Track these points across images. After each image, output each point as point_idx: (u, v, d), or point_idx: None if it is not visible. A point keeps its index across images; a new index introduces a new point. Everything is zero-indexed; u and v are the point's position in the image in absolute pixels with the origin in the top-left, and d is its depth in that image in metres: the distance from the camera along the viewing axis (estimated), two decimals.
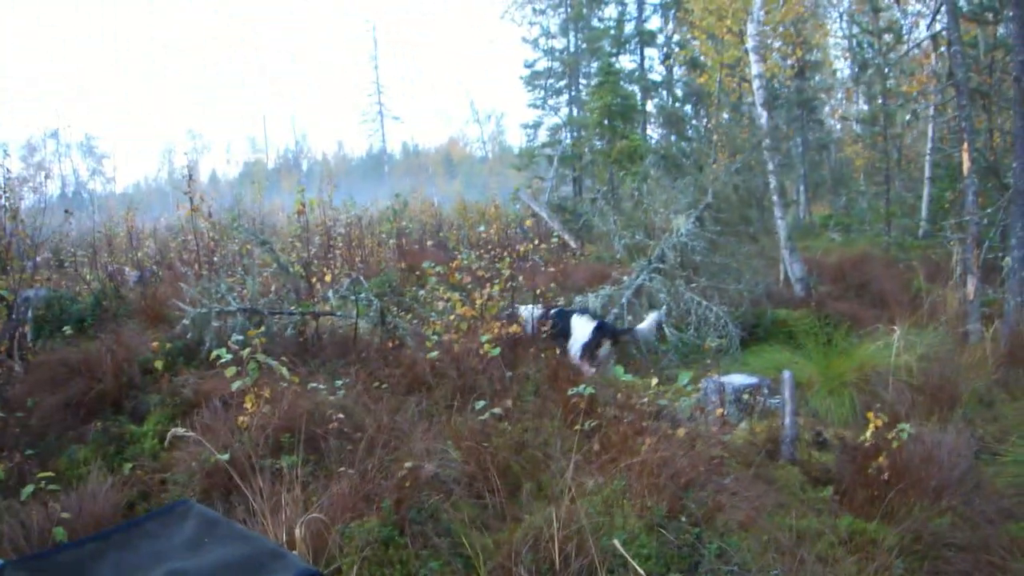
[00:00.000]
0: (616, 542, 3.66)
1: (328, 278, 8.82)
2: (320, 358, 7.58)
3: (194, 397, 6.32)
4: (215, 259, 11.49)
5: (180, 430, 4.62)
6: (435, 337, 7.44)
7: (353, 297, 7.99)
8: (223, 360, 5.56)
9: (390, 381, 6.95)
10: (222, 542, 2.70)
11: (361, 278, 9.00)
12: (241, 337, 5.91)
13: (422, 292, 9.47)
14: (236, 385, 5.45)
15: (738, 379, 7.33)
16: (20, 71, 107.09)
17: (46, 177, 63.66)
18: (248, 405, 5.51)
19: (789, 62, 22.14)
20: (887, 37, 22.87)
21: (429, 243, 18.59)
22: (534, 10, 32.34)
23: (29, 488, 4.84)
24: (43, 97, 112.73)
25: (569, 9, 31.51)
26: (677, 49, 29.83)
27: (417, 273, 11.74)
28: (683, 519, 4.29)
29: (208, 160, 79.98)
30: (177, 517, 2.90)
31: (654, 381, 6.12)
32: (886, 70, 21.74)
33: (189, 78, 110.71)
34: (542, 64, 32.92)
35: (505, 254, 13.02)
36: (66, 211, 11.25)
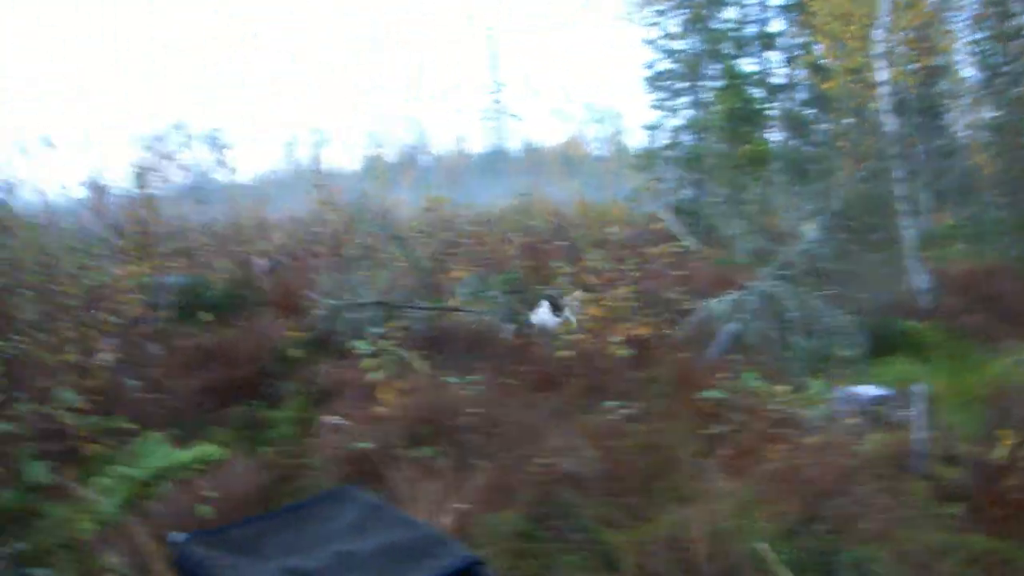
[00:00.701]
0: (762, 545, 3.67)
1: (457, 274, 8.99)
2: (450, 353, 7.77)
3: (329, 386, 6.52)
4: (343, 252, 11.78)
5: (333, 418, 4.79)
6: (565, 336, 7.51)
7: (483, 293, 8.12)
8: (361, 352, 5.73)
9: (520, 377, 7.06)
10: (385, 526, 2.79)
11: (488, 274, 9.16)
12: (379, 329, 6.08)
13: (550, 291, 9.55)
14: (373, 376, 5.62)
15: (868, 390, 7.19)
16: (146, 61, 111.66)
17: (178, 167, 66.35)
18: (384, 396, 5.67)
19: (915, 67, 21.42)
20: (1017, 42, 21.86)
21: (554, 243, 18.61)
22: (654, 11, 32.08)
23: None
24: (167, 88, 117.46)
25: (689, 11, 31.14)
26: (800, 53, 29.16)
27: (544, 272, 11.82)
28: (817, 526, 4.26)
29: (329, 154, 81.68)
30: (340, 501, 3.01)
31: (784, 388, 6.09)
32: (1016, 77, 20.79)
33: (310, 71, 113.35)
34: (662, 65, 32.62)
35: (632, 255, 12.99)
36: (198, 200, 11.79)
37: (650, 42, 33.17)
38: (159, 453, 5.46)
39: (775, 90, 30.46)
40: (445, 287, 9.18)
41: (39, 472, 5.06)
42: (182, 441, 5.99)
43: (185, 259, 12.44)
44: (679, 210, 21.22)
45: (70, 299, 6.74)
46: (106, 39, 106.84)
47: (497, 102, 70.04)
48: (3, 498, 4.92)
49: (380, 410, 5.68)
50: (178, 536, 2.66)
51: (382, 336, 6.04)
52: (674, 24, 32.65)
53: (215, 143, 74.33)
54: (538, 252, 14.36)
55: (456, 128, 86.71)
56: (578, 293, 8.14)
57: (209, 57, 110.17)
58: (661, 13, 32.65)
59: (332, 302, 7.75)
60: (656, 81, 32.98)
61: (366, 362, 5.74)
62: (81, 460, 5.48)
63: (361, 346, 5.75)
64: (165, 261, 10.08)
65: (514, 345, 7.83)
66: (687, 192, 25.96)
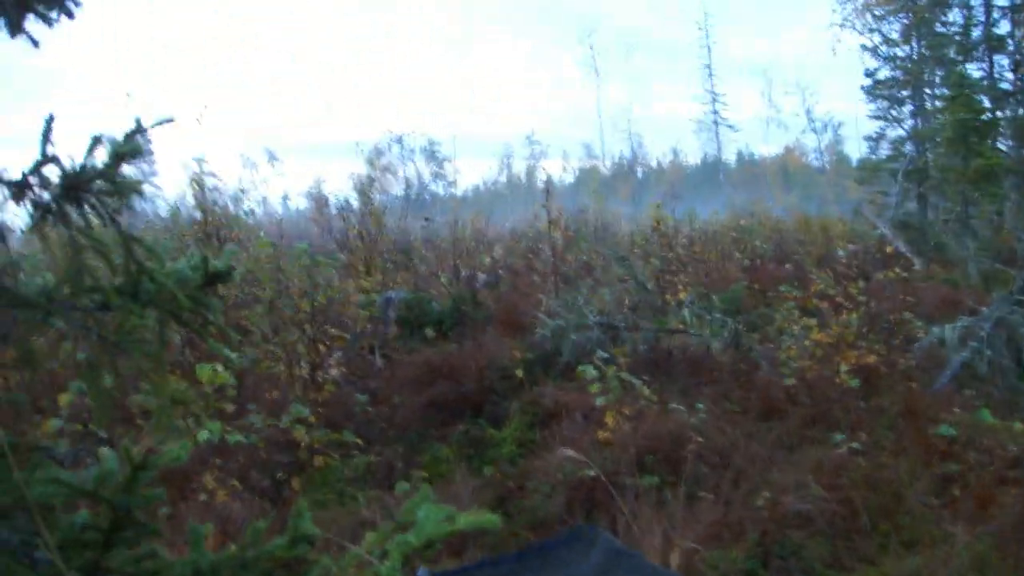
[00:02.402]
0: None
1: (683, 295, 8.98)
2: (673, 376, 7.81)
3: (553, 407, 6.68)
4: (564, 269, 12.00)
5: (568, 451, 4.92)
6: (791, 363, 7.38)
7: (708, 317, 8.09)
8: (588, 377, 5.85)
9: (743, 404, 7.07)
10: (631, 574, 2.81)
11: (711, 295, 9.10)
12: (606, 354, 6.19)
13: (776, 315, 9.37)
14: (600, 401, 5.72)
15: None
16: (369, 74, 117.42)
17: (397, 179, 69.62)
18: (609, 421, 5.77)
19: None
20: None
21: (778, 264, 18.21)
22: (873, 16, 30.68)
23: (405, 485, 5.38)
24: (388, 100, 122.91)
25: (911, 15, 29.56)
26: None
27: (767, 294, 11.61)
28: None
29: (545, 165, 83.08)
30: (584, 544, 3.03)
31: (1022, 425, 5.75)
32: None
33: (529, 80, 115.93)
34: (883, 73, 31.08)
35: (857, 276, 12.57)
36: (426, 218, 12.32)
37: (870, 48, 31.80)
38: (432, 517, 5.74)
39: (1004, 96, 28.47)
40: (671, 307, 9.19)
41: (309, 524, 5.45)
42: (407, 459, 6.32)
43: (409, 273, 13.01)
44: (903, 226, 20.23)
45: (300, 313, 7.21)
46: (326, 49, 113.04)
47: (714, 112, 69.53)
48: (275, 546, 5.33)
49: (605, 435, 5.77)
50: (423, 573, 2.76)
51: (609, 361, 6.12)
52: (895, 29, 31.14)
53: (434, 155, 76.26)
54: (761, 274, 14.10)
55: (671, 139, 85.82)
56: (804, 320, 7.95)
57: (427, 66, 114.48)
58: (880, 18, 31.23)
59: (557, 323, 7.92)
60: (876, 89, 31.57)
61: (592, 387, 5.84)
62: (309, 472, 5.88)
63: (588, 371, 5.85)
64: (389, 277, 10.59)
65: (737, 369, 7.75)
66: (912, 207, 24.81)
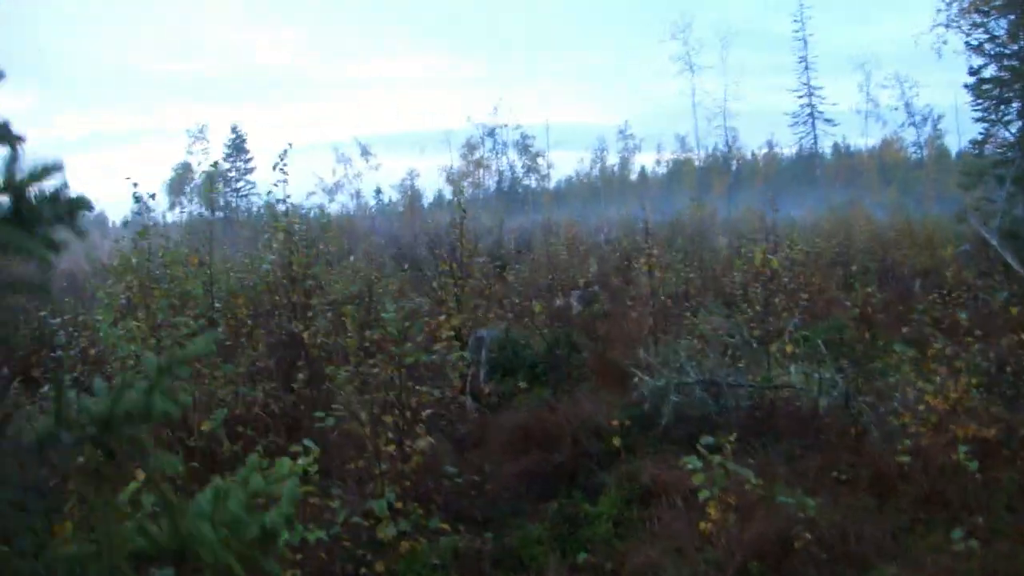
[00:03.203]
0: None
1: (788, 348, 8.68)
2: (777, 434, 7.64)
3: (651, 485, 6.49)
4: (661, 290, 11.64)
5: None
6: (904, 428, 7.05)
7: (816, 375, 7.81)
8: (692, 467, 5.65)
9: (852, 473, 6.89)
10: None
11: (817, 341, 8.81)
12: (711, 440, 5.97)
13: (885, 364, 8.97)
14: (703, 496, 5.52)
15: None
16: (461, 65, 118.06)
17: (489, 173, 70.05)
18: (712, 512, 5.56)
19: None
20: None
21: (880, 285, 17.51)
22: (979, 10, 29.59)
23: None
24: (480, 92, 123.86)
25: (1020, 12, 28.41)
26: None
27: (876, 337, 11.21)
28: None
29: (639, 158, 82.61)
30: None
31: None
32: None
33: (622, 72, 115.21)
34: (989, 71, 30.05)
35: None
36: (518, 251, 12.21)
37: (974, 46, 30.69)
38: None
39: None
40: (775, 357, 8.93)
41: None
42: (497, 539, 6.19)
43: (501, 308, 12.90)
44: (1010, 234, 19.31)
45: (388, 372, 7.09)
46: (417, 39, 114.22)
47: (810, 105, 68.18)
48: None
49: (706, 527, 5.57)
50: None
51: (715, 447, 5.89)
52: (1001, 27, 30.06)
53: (527, 148, 76.97)
54: (873, 315, 13.65)
55: (767, 132, 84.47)
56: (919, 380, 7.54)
57: (521, 58, 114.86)
58: (987, 14, 30.11)
59: (655, 383, 7.72)
60: (980, 88, 30.48)
61: (696, 476, 5.63)
62: (392, 556, 5.78)
63: (692, 462, 5.65)
64: (481, 313, 10.51)
65: (846, 432, 7.47)
66: (1020, 214, 23.85)
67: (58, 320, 7.51)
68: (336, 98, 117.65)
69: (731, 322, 8.92)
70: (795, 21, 67.11)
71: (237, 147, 60.68)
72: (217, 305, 8.52)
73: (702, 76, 71.01)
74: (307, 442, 5.55)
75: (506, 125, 69.59)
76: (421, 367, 8.09)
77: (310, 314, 8.92)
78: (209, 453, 7.25)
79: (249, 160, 63.36)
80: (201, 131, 64.30)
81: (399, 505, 6.02)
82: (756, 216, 38.30)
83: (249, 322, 8.73)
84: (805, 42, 68.62)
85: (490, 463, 7.28)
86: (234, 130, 65.04)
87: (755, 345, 8.68)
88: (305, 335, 8.61)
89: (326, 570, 5.56)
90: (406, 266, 22.50)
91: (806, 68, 69.05)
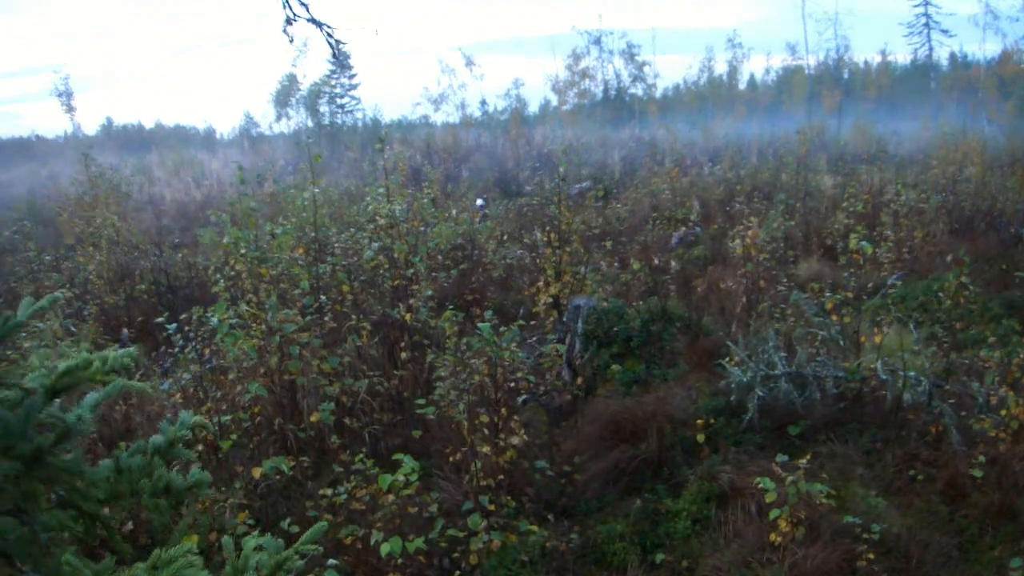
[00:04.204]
0: None
1: (878, 338, 9.03)
2: (859, 425, 8.15)
3: (729, 489, 7.00)
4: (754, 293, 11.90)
5: None
6: (983, 441, 7.37)
7: (902, 372, 8.15)
8: (763, 487, 6.10)
9: (928, 473, 7.29)
10: None
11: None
12: (786, 457, 6.43)
13: (984, 349, 9.10)
14: (775, 514, 6.00)
15: None
16: None
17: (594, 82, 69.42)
18: (783, 525, 6.05)
19: None
20: None
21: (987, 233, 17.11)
22: None
23: None
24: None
25: None
26: None
27: (974, 305, 11.25)
28: None
29: (748, 66, 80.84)
30: None
31: None
32: None
33: None
34: None
35: None
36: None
37: None
38: None
39: None
40: (864, 345, 9.27)
41: None
42: (583, 537, 6.83)
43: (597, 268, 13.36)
44: None
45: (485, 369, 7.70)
46: None
47: (925, 13, 65.53)
48: None
49: (776, 538, 6.05)
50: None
51: (790, 465, 6.35)
52: None
53: (632, 57, 75.38)
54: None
55: (880, 40, 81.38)
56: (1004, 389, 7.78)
57: None
58: None
59: (743, 376, 8.17)
60: None
61: (768, 495, 6.07)
62: (483, 551, 6.48)
63: (765, 483, 6.10)
64: (582, 279, 11.03)
65: (927, 430, 7.81)
66: None
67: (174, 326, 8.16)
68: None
69: (821, 324, 9.21)
70: None
71: (341, 62, 61.19)
72: (323, 298, 9.23)
73: None
74: (406, 459, 6.25)
75: (612, 32, 69.03)
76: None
77: (411, 301, 9.57)
78: (318, 445, 8.05)
79: (353, 76, 64.04)
80: (304, 44, 64.80)
81: (491, 506, 6.70)
82: (865, 137, 37.61)
83: (353, 317, 9.38)
84: None
85: (579, 455, 7.89)
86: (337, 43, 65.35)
87: (842, 342, 9.01)
88: (407, 317, 9.30)
89: (421, 571, 6.31)
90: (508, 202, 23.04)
91: None
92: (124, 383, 2.77)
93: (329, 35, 5.24)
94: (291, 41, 4.87)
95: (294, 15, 4.80)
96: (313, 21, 5.00)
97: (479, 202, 21.82)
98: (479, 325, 7.24)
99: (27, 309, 2.70)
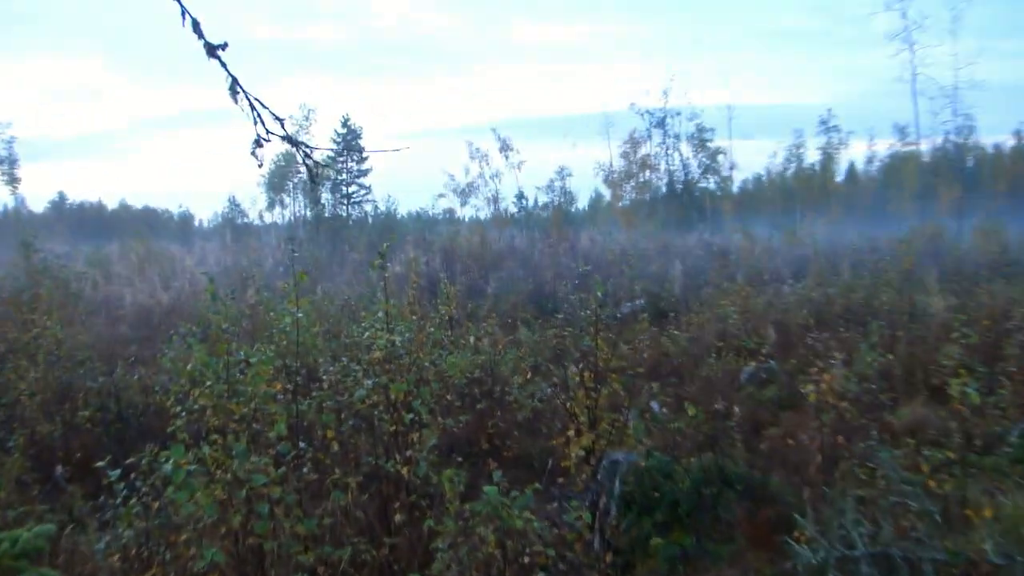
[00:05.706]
0: None
1: (988, 511, 8.86)
2: None
3: None
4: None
5: None
6: None
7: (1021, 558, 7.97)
8: None
9: None
10: None
11: None
12: None
13: None
14: None
15: None
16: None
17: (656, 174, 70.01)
18: None
19: None
20: None
21: None
22: None
23: None
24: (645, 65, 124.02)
25: None
26: None
27: None
28: None
29: (846, 153, 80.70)
30: None
31: None
32: None
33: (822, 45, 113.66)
34: None
35: None
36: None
37: None
38: None
39: None
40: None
41: None
42: None
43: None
44: None
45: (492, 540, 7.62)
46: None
47: None
48: None
49: None
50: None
51: None
52: None
53: (703, 144, 76.46)
54: None
55: (1015, 115, 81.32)
56: None
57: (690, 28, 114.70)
58: None
59: (814, 558, 8.03)
60: None
61: None
62: None
63: None
64: (620, 432, 10.97)
65: None
66: None
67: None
68: (471, 72, 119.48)
69: (909, 484, 9.07)
70: None
71: (348, 143, 62.08)
72: (302, 445, 9.20)
73: (923, 47, 65.54)
74: None
75: (679, 112, 69.07)
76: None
77: (409, 452, 9.50)
78: None
79: (363, 160, 64.87)
80: (307, 117, 65.60)
81: None
82: (992, 243, 36.91)
83: (337, 471, 9.34)
84: None
85: None
86: (345, 124, 66.62)
87: (937, 516, 8.86)
88: (404, 471, 9.24)
89: None
90: (540, 323, 22.88)
91: None
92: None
93: (307, 155, 5.30)
94: (260, 165, 4.89)
95: (267, 133, 4.77)
96: (288, 139, 5.02)
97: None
98: (485, 489, 7.21)
99: None
